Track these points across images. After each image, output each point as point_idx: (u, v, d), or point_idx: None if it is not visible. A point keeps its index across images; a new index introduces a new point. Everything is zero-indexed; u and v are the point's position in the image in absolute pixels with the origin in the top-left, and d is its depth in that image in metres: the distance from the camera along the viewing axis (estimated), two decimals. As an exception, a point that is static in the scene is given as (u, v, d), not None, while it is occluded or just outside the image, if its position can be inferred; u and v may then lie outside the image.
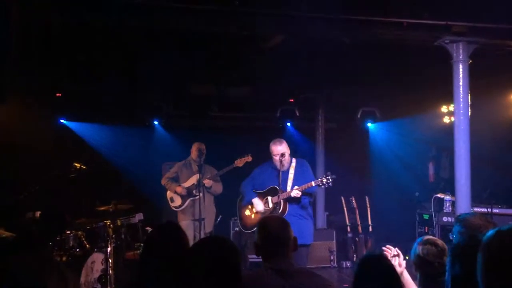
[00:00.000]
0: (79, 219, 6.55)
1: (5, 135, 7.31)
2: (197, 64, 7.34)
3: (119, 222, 6.29)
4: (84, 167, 6.77)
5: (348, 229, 8.81)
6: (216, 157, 7.06)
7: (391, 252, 3.21)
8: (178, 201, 6.97)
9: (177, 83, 8.46)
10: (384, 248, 3.26)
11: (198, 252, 2.31)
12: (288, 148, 5.57)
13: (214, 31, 5.69)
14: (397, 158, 9.41)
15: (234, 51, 6.85)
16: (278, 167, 5.44)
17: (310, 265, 6.80)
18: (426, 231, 7.67)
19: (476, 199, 6.50)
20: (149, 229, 6.46)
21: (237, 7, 5.05)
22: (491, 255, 1.62)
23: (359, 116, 9.35)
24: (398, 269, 3.02)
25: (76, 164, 6.74)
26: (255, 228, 2.89)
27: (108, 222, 5.99)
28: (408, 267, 3.21)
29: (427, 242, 3.06)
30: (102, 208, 6.28)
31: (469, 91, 5.91)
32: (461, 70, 5.90)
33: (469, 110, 5.92)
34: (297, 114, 9.10)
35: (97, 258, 5.99)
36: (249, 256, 7.39)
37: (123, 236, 6.35)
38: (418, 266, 3.05)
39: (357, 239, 8.72)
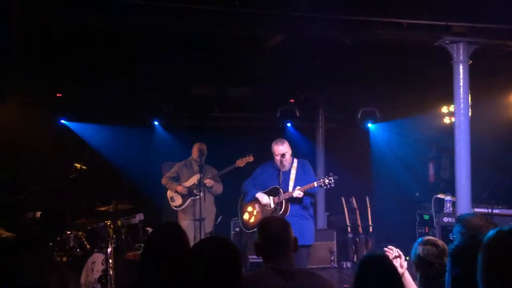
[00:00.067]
0: (80, 220, 6.57)
1: (5, 135, 7.31)
2: (197, 64, 7.33)
3: (119, 223, 6.29)
4: (84, 167, 6.77)
5: (349, 229, 8.80)
6: (216, 158, 7.06)
7: (392, 253, 3.20)
8: (178, 200, 6.96)
9: (177, 83, 8.45)
10: (385, 249, 3.25)
11: (198, 252, 2.32)
12: (290, 148, 5.58)
13: (214, 31, 5.68)
14: (397, 158, 9.40)
15: (234, 51, 6.84)
16: (279, 167, 5.44)
17: (311, 266, 6.81)
18: (427, 231, 7.66)
19: (476, 200, 6.50)
20: (149, 229, 6.45)
21: (237, 7, 5.04)
22: (491, 255, 1.62)
23: (359, 116, 9.33)
24: (400, 270, 3.01)
25: (76, 164, 6.74)
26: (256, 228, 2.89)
27: (109, 222, 5.99)
28: (408, 268, 3.20)
29: (428, 242, 3.06)
30: (103, 209, 6.27)
31: (469, 92, 5.91)
32: (461, 70, 5.90)
33: (470, 110, 5.92)
34: (297, 114, 9.09)
35: (97, 258, 5.99)
36: (250, 257, 7.39)
37: (123, 237, 6.34)
38: (418, 267, 3.05)
39: (357, 239, 8.72)
